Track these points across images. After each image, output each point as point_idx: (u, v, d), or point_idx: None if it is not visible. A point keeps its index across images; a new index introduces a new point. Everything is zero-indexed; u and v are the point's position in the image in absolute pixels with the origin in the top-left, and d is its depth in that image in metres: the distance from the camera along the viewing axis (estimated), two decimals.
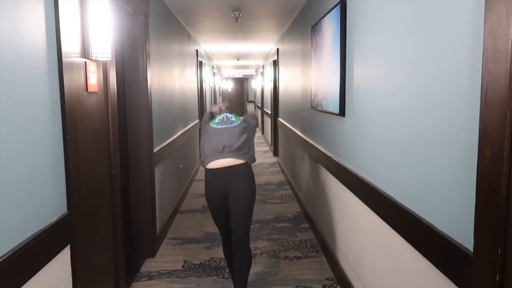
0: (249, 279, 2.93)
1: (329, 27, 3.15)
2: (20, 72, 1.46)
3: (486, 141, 1.17)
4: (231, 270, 2.88)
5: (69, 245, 1.81)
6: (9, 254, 1.35)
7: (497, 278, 1.13)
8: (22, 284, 1.43)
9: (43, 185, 1.62)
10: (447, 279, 1.43)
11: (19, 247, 1.41)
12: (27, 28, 1.51)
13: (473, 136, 1.27)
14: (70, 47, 1.85)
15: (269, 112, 10.20)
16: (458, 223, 1.39)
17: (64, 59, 1.76)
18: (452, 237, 1.42)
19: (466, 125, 1.33)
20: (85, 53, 2.01)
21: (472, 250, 1.27)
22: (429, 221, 1.58)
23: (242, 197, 2.68)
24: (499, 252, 1.12)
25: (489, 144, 1.16)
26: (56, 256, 1.70)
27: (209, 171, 2.74)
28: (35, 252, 1.52)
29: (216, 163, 2.69)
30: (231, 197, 2.69)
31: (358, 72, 2.54)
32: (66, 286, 1.81)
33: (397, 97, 1.91)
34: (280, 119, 7.59)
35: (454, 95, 1.41)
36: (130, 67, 3.36)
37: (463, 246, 1.34)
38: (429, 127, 1.59)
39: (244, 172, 2.71)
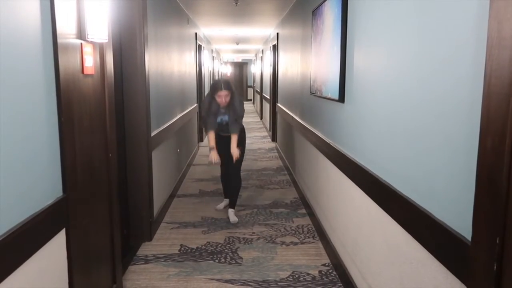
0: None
1: (330, 12, 3.10)
2: (13, 53, 1.42)
3: (488, 129, 1.15)
4: (225, 191, 4.52)
5: (64, 229, 1.80)
6: (3, 237, 1.33)
7: (495, 267, 1.12)
8: (16, 268, 1.42)
9: (38, 168, 1.60)
10: (444, 268, 1.43)
11: (14, 230, 1.40)
12: (20, 7, 1.47)
13: (475, 125, 1.25)
14: (66, 28, 1.80)
15: (268, 98, 10.16)
16: (456, 212, 1.38)
17: (59, 40, 1.72)
18: (450, 226, 1.41)
19: (468, 114, 1.30)
20: (81, 34, 1.97)
21: (470, 240, 1.26)
22: (428, 209, 1.57)
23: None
24: (497, 241, 1.11)
25: (490, 132, 1.14)
26: (52, 240, 1.69)
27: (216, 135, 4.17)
28: (29, 235, 1.51)
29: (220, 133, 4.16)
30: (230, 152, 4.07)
31: (358, 58, 2.50)
32: (61, 269, 1.80)
33: (398, 84, 1.89)
34: (279, 105, 7.55)
35: (456, 83, 1.38)
36: (127, 49, 3.31)
37: (461, 235, 1.33)
38: (430, 116, 1.57)
39: (239, 139, 4.12)
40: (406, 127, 1.79)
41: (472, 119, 1.27)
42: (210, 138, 4.17)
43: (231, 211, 4.18)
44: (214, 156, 4.08)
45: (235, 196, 4.28)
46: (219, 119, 4.13)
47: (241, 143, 4.20)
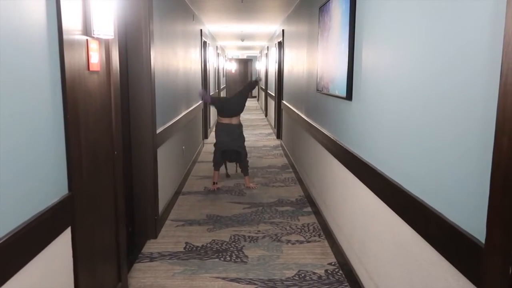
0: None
1: (338, 8, 3.06)
2: (19, 49, 1.40)
3: (504, 129, 1.11)
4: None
5: (70, 227, 1.79)
6: (9, 236, 1.32)
7: (510, 271, 1.09)
8: (22, 266, 1.41)
9: (43, 166, 1.58)
10: (456, 270, 1.40)
11: (19, 228, 1.38)
12: (26, 2, 1.45)
13: (489, 124, 1.22)
14: (71, 24, 1.78)
15: (273, 95, 10.12)
16: (469, 213, 1.35)
17: (64, 36, 1.70)
18: (462, 227, 1.38)
19: (482, 112, 1.27)
20: (86, 31, 1.95)
21: (483, 242, 1.23)
22: (439, 210, 1.54)
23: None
24: None
25: (507, 132, 1.10)
26: (57, 238, 1.67)
27: (222, 125, 5.23)
28: (35, 234, 1.49)
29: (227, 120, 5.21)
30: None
31: (367, 55, 2.47)
32: (66, 268, 1.79)
33: (408, 81, 1.85)
34: (284, 102, 7.52)
35: (469, 80, 1.35)
36: (133, 46, 3.29)
37: (474, 237, 1.30)
38: (442, 113, 1.53)
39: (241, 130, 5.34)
40: (415, 125, 1.76)
41: (486, 117, 1.24)
42: (214, 175, 5.20)
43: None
44: (215, 187, 5.16)
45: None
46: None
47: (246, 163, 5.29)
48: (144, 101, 3.36)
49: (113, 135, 2.32)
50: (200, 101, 7.31)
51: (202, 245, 3.44)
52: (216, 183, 5.18)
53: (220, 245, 3.46)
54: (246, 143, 5.43)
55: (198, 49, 7.20)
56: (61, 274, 1.74)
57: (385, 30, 2.15)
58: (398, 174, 1.96)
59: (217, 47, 12.06)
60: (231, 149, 5.16)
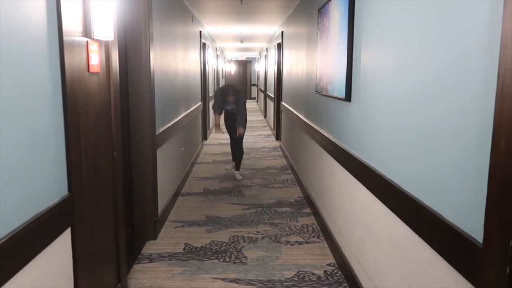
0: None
1: (337, 10, 3.08)
2: (19, 51, 1.41)
3: (501, 130, 1.12)
4: (233, 156, 5.83)
5: (70, 228, 1.79)
6: (8, 237, 1.32)
7: (508, 271, 1.10)
8: (22, 267, 1.41)
9: (44, 167, 1.59)
10: (454, 270, 1.41)
11: (19, 229, 1.39)
12: (26, 4, 1.45)
13: (487, 125, 1.22)
14: (71, 26, 1.79)
15: (272, 96, 10.13)
16: (467, 213, 1.36)
17: (65, 38, 1.70)
18: (461, 227, 1.39)
19: (479, 113, 1.28)
20: (86, 32, 1.96)
21: (481, 242, 1.24)
22: (437, 210, 1.55)
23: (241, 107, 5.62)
24: (510, 244, 1.09)
25: (504, 133, 1.11)
26: (57, 239, 1.67)
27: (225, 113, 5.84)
28: (35, 235, 1.50)
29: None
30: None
31: (365, 56, 2.48)
32: (66, 268, 1.79)
33: (407, 83, 1.86)
34: (283, 103, 7.53)
35: (467, 82, 1.36)
36: (132, 47, 3.30)
37: (472, 237, 1.31)
38: (440, 114, 1.54)
39: (242, 121, 5.60)
40: (414, 127, 1.77)
41: (484, 118, 1.25)
42: (216, 118, 5.83)
43: (236, 172, 5.64)
44: (217, 130, 5.87)
45: (239, 161, 5.71)
46: (229, 107, 5.65)
47: (243, 123, 5.58)
48: (144, 102, 3.37)
49: (112, 136, 2.33)
50: (200, 103, 7.32)
51: (202, 246, 3.45)
52: (219, 125, 5.86)
53: (219, 246, 3.46)
54: (245, 144, 5.51)
55: (197, 51, 7.21)
56: (61, 275, 1.74)
57: (385, 31, 2.16)
58: (397, 175, 1.97)
59: (216, 48, 12.07)
60: (226, 107, 5.67)
